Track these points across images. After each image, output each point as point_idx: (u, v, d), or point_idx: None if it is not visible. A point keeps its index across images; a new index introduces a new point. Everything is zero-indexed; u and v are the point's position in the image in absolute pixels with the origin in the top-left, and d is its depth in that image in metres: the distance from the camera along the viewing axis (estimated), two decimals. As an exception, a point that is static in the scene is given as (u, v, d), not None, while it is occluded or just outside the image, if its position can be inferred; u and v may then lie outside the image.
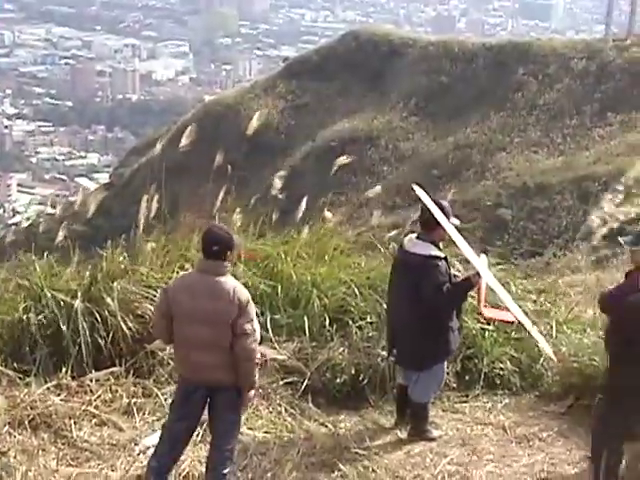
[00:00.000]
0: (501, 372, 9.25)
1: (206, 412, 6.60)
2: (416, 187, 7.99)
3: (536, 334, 8.04)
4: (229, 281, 6.46)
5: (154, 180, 10.10)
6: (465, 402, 8.95)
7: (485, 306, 7.86)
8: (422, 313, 7.60)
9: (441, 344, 7.80)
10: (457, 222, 7.80)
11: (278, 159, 43.52)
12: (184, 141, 10.04)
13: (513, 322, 8.56)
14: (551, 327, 9.53)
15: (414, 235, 7.91)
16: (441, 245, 7.89)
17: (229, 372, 6.46)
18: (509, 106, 43.78)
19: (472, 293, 8.11)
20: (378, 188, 14.38)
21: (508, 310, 7.92)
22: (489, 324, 9.39)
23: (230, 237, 6.54)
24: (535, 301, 10.20)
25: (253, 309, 6.49)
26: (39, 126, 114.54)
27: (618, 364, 6.91)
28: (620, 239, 7.96)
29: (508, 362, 9.28)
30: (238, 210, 9.98)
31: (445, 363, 8.14)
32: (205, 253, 6.43)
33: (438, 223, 7.63)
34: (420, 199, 7.85)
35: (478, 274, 7.64)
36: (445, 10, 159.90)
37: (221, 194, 10.02)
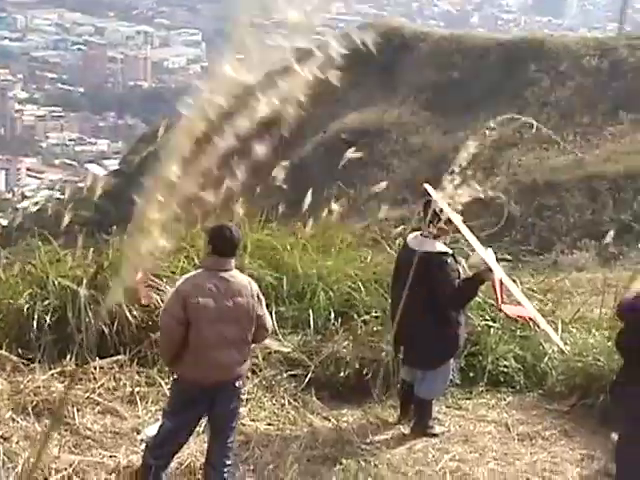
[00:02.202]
0: (505, 370, 9.23)
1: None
2: (427, 185, 7.96)
3: (547, 327, 8.02)
4: (241, 275, 6.51)
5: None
6: (469, 399, 8.93)
7: (504, 302, 7.82)
8: (431, 311, 7.57)
9: (450, 341, 7.78)
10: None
11: (288, 150, 43.42)
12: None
13: (531, 319, 8.51)
14: (556, 327, 9.49)
15: (418, 233, 7.88)
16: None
17: (245, 365, 6.61)
18: (520, 103, 43.66)
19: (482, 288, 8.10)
20: (383, 184, 14.32)
21: (522, 305, 7.88)
22: (494, 321, 9.38)
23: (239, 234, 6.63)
24: (541, 300, 10.17)
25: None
26: (50, 111, 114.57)
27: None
28: (640, 245, 7.95)
29: (513, 360, 9.26)
30: (241, 200, 9.95)
31: (452, 360, 8.11)
32: (221, 252, 6.38)
33: (446, 220, 7.60)
34: (428, 196, 7.81)
35: (490, 269, 7.61)
36: (458, 5, 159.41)
37: (225, 183, 9.98)
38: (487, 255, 7.72)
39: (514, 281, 8.78)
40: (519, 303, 7.89)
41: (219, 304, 6.29)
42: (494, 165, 38.92)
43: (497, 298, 7.76)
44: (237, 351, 6.42)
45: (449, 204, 5.95)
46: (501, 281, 7.64)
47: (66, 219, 9.34)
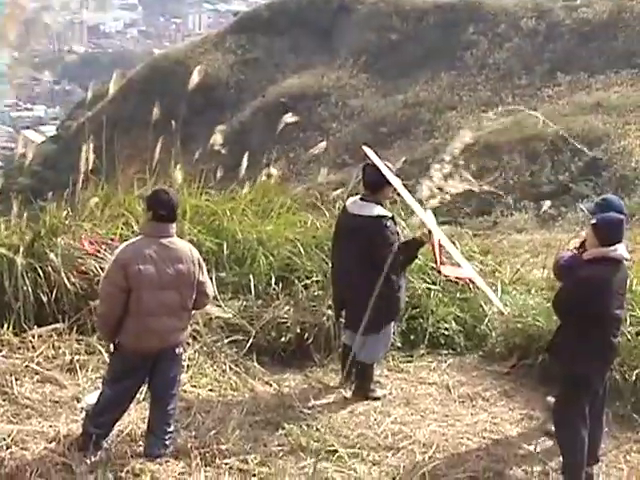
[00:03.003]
0: (446, 332, 9.28)
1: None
2: (365, 148, 7.93)
3: (487, 289, 8.04)
4: (181, 242, 6.44)
5: (100, 133, 9.97)
6: (410, 362, 8.97)
7: (442, 263, 7.83)
8: (372, 275, 7.54)
9: (390, 304, 7.76)
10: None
11: (228, 114, 43.28)
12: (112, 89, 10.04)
13: (470, 280, 8.54)
14: (496, 287, 9.56)
15: (357, 197, 7.84)
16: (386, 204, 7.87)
17: (185, 332, 6.57)
18: (459, 65, 43.89)
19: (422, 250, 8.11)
20: (323, 144, 14.34)
21: (461, 267, 7.90)
22: (434, 284, 9.42)
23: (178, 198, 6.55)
24: (481, 261, 10.24)
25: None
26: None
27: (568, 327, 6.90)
28: (581, 205, 8.02)
29: (453, 322, 9.32)
30: (179, 166, 9.85)
31: (392, 323, 8.12)
32: (160, 217, 6.29)
33: (385, 183, 7.59)
34: (368, 159, 7.78)
35: (429, 232, 7.60)
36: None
37: (158, 148, 9.89)
38: (426, 217, 7.71)
39: (453, 243, 8.82)
40: (459, 265, 7.91)
41: (160, 271, 6.23)
42: (433, 127, 39.11)
43: (436, 260, 7.77)
44: (177, 318, 6.37)
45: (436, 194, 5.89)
46: (440, 243, 7.64)
47: (-2, 185, 9.18)
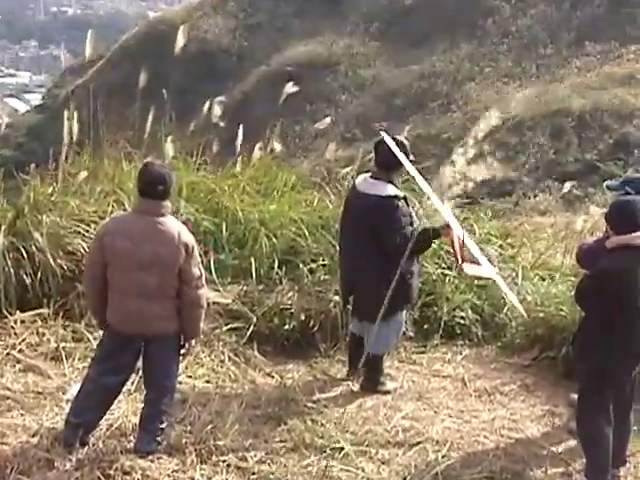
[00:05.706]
0: (462, 321, 9.29)
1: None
2: (383, 133, 7.89)
3: (507, 289, 8.00)
4: (172, 223, 6.30)
5: (89, 103, 9.95)
6: (423, 353, 8.98)
7: (464, 260, 7.81)
8: (382, 260, 7.54)
9: (402, 291, 7.72)
10: (412, 158, 7.72)
11: (229, 84, 43.23)
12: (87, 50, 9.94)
13: (492, 279, 8.51)
14: (516, 273, 9.55)
15: (368, 175, 7.81)
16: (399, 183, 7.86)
17: (172, 321, 6.37)
18: (479, 33, 43.72)
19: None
20: (327, 120, 14.42)
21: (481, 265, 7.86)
22: (450, 269, 9.41)
23: (172, 174, 6.43)
24: (501, 245, 10.22)
25: (197, 252, 6.42)
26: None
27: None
28: (605, 184, 7.98)
29: (470, 310, 9.32)
30: (170, 138, 9.80)
31: (404, 311, 8.12)
32: (146, 193, 6.23)
33: (400, 162, 7.56)
34: (382, 139, 7.74)
35: (448, 225, 7.57)
36: None
37: (150, 118, 9.86)
38: (444, 209, 7.68)
39: (471, 225, 8.81)
40: (478, 263, 7.88)
41: (137, 249, 6.15)
42: (450, 100, 39.03)
43: (457, 257, 7.69)
44: (156, 303, 6.24)
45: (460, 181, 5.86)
46: (460, 238, 7.59)
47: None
